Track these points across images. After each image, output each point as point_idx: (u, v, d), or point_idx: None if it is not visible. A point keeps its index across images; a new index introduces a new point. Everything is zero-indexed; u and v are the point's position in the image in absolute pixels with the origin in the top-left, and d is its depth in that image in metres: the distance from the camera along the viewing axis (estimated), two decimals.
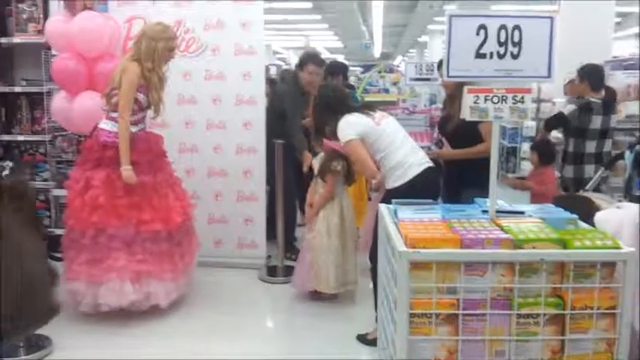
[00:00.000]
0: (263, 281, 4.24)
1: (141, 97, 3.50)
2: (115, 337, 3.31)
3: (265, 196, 4.58)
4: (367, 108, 3.28)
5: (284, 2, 11.24)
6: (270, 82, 6.22)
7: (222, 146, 4.44)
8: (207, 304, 3.82)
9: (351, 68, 10.02)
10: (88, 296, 3.40)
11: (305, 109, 4.59)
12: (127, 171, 3.38)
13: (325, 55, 22.45)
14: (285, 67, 11.59)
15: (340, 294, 3.79)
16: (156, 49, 3.49)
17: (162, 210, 3.51)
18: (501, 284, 1.83)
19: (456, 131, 3.54)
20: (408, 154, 3.08)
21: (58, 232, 4.19)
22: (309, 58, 4.69)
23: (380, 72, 9.95)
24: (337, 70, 5.66)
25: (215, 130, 4.44)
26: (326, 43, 21.97)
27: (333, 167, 3.70)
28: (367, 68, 13.84)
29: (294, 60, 14.43)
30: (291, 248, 4.54)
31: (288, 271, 4.21)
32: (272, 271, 4.31)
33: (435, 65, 5.53)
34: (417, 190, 2.88)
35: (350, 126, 3.10)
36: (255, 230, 4.47)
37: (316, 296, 3.79)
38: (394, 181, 3.05)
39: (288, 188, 4.37)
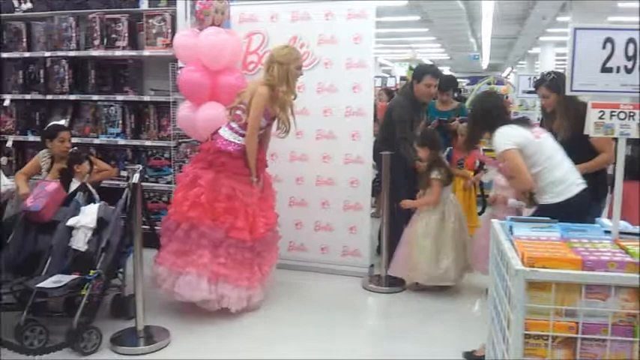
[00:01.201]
0: (366, 289, 4.28)
1: (262, 121, 3.72)
2: (225, 337, 3.48)
3: (370, 205, 4.63)
4: (524, 122, 3.21)
5: (393, 16, 11.28)
6: (388, 92, 6.28)
7: (330, 156, 4.56)
8: (312, 308, 3.93)
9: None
10: (167, 282, 3.62)
11: (418, 121, 4.61)
12: (255, 183, 3.71)
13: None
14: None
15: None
16: (288, 72, 3.71)
17: (250, 220, 3.68)
18: (624, 310, 1.76)
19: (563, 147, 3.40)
20: (568, 172, 3.01)
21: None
22: (426, 69, 4.66)
23: (490, 84, 9.70)
24: (450, 84, 5.46)
25: (324, 140, 4.56)
26: (432, 56, 21.73)
27: (434, 176, 4.02)
28: (474, 80, 13.53)
29: (399, 72, 14.42)
30: None
31: (392, 281, 4.25)
32: (376, 279, 4.34)
33: (535, 80, 5.20)
34: (572, 210, 2.81)
35: (509, 136, 3.02)
36: (360, 239, 4.53)
37: (415, 287, 4.15)
38: (552, 197, 2.97)
39: (395, 198, 4.38)
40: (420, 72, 4.62)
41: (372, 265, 4.58)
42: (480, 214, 4.90)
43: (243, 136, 3.71)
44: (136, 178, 3.23)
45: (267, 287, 3.89)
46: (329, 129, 4.54)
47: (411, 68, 12.00)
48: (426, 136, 4.33)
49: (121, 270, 3.54)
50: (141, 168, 3.30)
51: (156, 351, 3.22)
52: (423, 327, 3.66)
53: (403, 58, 15.84)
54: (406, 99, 4.67)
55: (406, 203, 4.21)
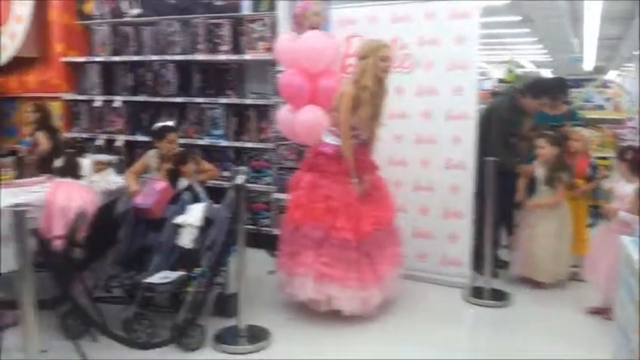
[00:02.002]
0: (467, 302, 4.10)
1: (353, 119, 3.68)
2: (325, 336, 3.49)
3: (472, 213, 4.45)
4: None
5: (493, 17, 10.89)
6: (494, 95, 6.06)
7: (429, 161, 4.43)
8: (409, 316, 3.83)
9: None
10: (286, 285, 3.73)
11: (519, 128, 4.41)
12: (356, 184, 3.67)
13: (531, 69, 21.36)
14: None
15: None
16: (370, 64, 3.63)
17: (354, 219, 3.63)
18: None
19: None
20: None
21: (276, 232, 4.55)
22: (547, 89, 4.52)
23: (597, 87, 9.10)
24: (561, 89, 4.92)
25: (424, 145, 4.44)
26: (532, 57, 20.81)
27: (564, 179, 4.17)
28: (576, 83, 12.77)
29: (495, 74, 13.90)
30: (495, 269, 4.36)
31: (495, 294, 4.07)
32: (476, 292, 4.17)
33: None
34: None
35: None
36: (460, 248, 4.36)
37: (535, 285, 4.28)
38: None
39: (499, 207, 4.20)
40: (540, 90, 4.41)
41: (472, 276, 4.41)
42: (590, 226, 4.58)
43: (339, 137, 3.70)
44: (241, 179, 3.29)
45: (388, 291, 3.80)
46: (429, 133, 4.42)
47: (510, 71, 11.52)
48: (557, 135, 4.29)
49: (224, 268, 3.61)
50: (246, 170, 3.35)
51: (257, 351, 3.25)
52: (541, 345, 3.44)
53: (501, 60, 15.26)
54: (509, 103, 4.46)
55: (534, 204, 4.27)
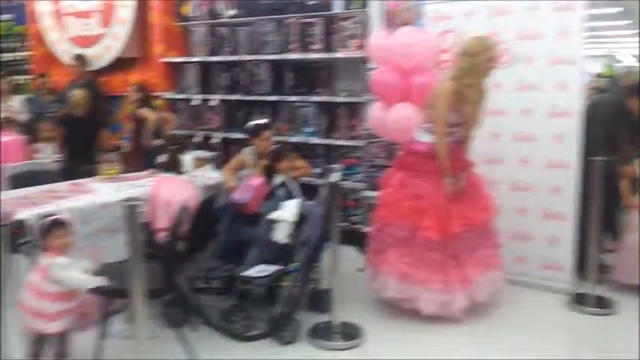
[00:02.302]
0: (569, 309, 3.89)
1: (452, 117, 3.58)
2: (418, 334, 3.45)
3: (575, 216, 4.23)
4: None
5: (592, 9, 10.31)
6: (596, 91, 5.75)
7: (529, 160, 4.24)
8: (505, 320, 3.70)
9: None
10: (374, 282, 3.74)
11: (625, 128, 4.15)
12: (450, 184, 3.57)
13: (633, 63, 19.99)
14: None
15: None
16: (474, 65, 3.52)
17: (441, 219, 3.54)
18: None
19: None
20: None
21: (365, 229, 4.54)
22: None
23: None
24: None
25: (522, 143, 4.26)
26: (634, 51, 19.49)
27: None
28: None
29: (593, 69, 13.20)
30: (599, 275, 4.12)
31: (600, 301, 3.85)
32: (579, 298, 3.94)
33: None
34: None
35: None
36: (562, 252, 4.14)
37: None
38: None
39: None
40: None
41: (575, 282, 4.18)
42: None
43: (433, 134, 3.62)
44: (335, 177, 3.30)
45: (478, 294, 3.68)
46: (528, 130, 4.23)
47: (609, 65, 10.89)
48: None
49: (317, 265, 3.64)
50: (340, 167, 3.36)
51: (351, 348, 3.26)
52: None
53: (599, 53, 14.46)
54: (615, 101, 4.20)
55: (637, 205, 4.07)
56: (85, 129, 5.64)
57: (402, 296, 3.57)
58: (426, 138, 3.69)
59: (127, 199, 2.43)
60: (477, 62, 3.52)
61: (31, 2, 7.33)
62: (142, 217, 2.42)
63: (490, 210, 3.82)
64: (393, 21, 4.40)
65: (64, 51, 6.98)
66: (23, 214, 3.21)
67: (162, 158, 3.97)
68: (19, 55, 8.09)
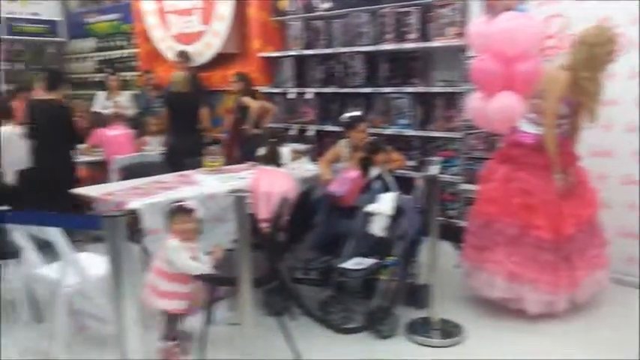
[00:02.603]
0: None
1: (563, 109, 3.40)
2: (519, 334, 3.33)
3: None
4: None
5: None
6: None
7: None
8: (612, 322, 3.48)
9: None
10: (472, 279, 3.63)
11: None
12: (560, 179, 3.42)
13: None
14: None
15: None
16: (594, 56, 3.34)
17: (554, 218, 3.36)
18: None
19: None
20: None
21: (462, 223, 4.43)
22: None
23: None
24: None
25: (635, 134, 3.98)
26: None
27: None
28: None
29: None
30: None
31: None
32: None
33: None
34: None
35: None
36: None
37: None
38: None
39: None
40: None
41: None
42: None
43: (541, 126, 3.46)
44: (434, 169, 3.25)
45: (584, 294, 3.53)
46: None
47: None
48: None
49: (415, 259, 3.61)
50: (439, 160, 3.30)
51: (450, 346, 3.20)
52: None
53: None
54: None
55: None
56: (187, 106, 5.92)
57: (509, 296, 3.44)
58: (530, 129, 3.54)
59: (234, 191, 2.52)
60: (596, 53, 3.34)
61: (137, 1, 7.76)
62: (249, 208, 2.49)
63: (595, 205, 3.63)
64: (494, 6, 4.21)
65: (168, 48, 7.34)
66: (135, 203, 3.42)
67: (261, 151, 4.08)
68: (126, 52, 8.61)
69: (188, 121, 5.88)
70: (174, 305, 2.91)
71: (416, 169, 5.05)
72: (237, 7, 6.50)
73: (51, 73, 5.26)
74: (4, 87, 8.81)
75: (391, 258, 3.35)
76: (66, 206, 4.03)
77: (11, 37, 9.18)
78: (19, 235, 3.10)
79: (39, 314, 3.47)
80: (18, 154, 4.82)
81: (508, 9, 4.08)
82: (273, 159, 4.00)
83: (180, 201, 2.96)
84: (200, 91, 6.42)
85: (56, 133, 4.81)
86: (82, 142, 5.36)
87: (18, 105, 5.93)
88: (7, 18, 9.09)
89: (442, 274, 3.39)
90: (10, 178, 4.77)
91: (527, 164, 3.52)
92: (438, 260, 3.32)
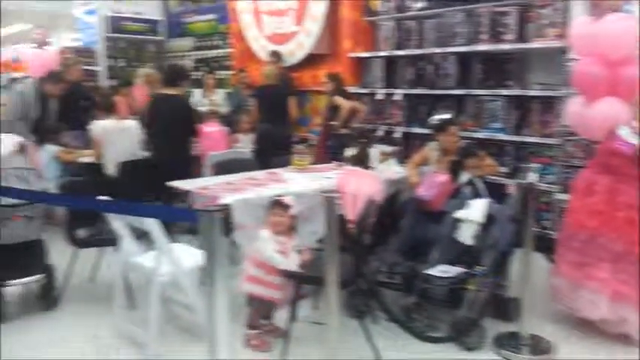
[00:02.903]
0: None
1: None
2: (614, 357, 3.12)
3: None
4: None
5: None
6: None
7: None
8: None
9: None
10: (566, 297, 3.39)
11: None
12: None
13: None
14: None
15: None
16: None
17: None
18: None
19: None
20: None
21: (556, 235, 4.20)
22: None
23: None
24: None
25: None
26: None
27: None
28: None
29: None
30: None
31: None
32: None
33: None
34: None
35: None
36: None
37: None
38: None
39: None
40: None
41: None
42: None
43: None
44: (532, 177, 3.10)
45: None
46: None
47: None
48: None
49: (505, 270, 3.47)
50: (537, 167, 3.15)
51: None
52: None
53: None
54: None
55: None
56: (275, 98, 6.19)
57: (613, 317, 3.22)
58: (631, 138, 3.30)
59: (325, 191, 2.53)
60: None
61: (233, 2, 7.99)
62: (339, 209, 2.50)
63: None
64: (599, 7, 3.99)
65: (261, 47, 7.51)
66: (227, 198, 3.53)
67: (350, 151, 4.08)
68: (221, 52, 8.90)
69: (277, 113, 6.09)
70: (258, 290, 3.01)
71: (508, 175, 4.87)
72: (330, 7, 6.54)
73: (172, 70, 5.53)
74: (107, 82, 9.39)
75: (480, 268, 3.24)
76: (168, 197, 4.22)
77: (116, 34, 9.75)
78: (119, 224, 3.27)
79: (133, 301, 3.66)
80: (120, 147, 5.10)
81: (615, 10, 3.86)
82: (362, 160, 3.99)
83: (280, 196, 3.06)
84: (288, 83, 6.55)
85: (175, 127, 4.97)
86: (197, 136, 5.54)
87: (120, 100, 6.31)
88: (113, 17, 9.66)
89: (532, 287, 3.24)
90: (111, 170, 5.04)
91: (629, 176, 3.29)
92: (530, 273, 3.17)
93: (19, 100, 5.35)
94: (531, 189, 3.10)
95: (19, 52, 7.98)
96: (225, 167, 4.65)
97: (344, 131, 5.59)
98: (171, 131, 4.96)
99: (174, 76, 5.19)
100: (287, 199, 3.07)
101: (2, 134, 4.18)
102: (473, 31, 5.29)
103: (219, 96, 7.37)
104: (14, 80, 7.20)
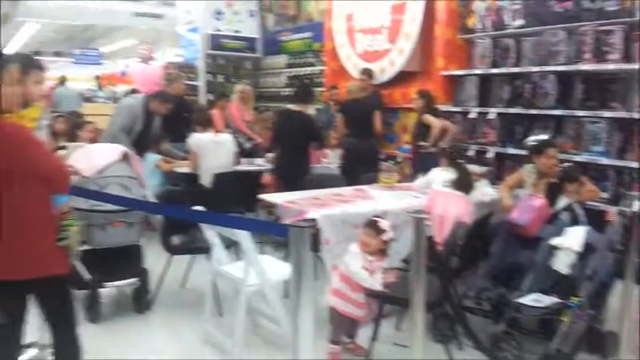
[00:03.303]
0: None
1: None
2: None
3: None
4: None
5: None
6: None
7: None
8: None
9: None
10: None
11: None
12: None
13: None
14: None
15: None
16: None
17: None
18: None
19: None
20: None
21: None
22: None
23: None
24: None
25: None
26: None
27: None
28: None
29: None
30: None
31: None
32: None
33: None
34: None
35: None
36: None
37: None
38: None
39: None
40: None
41: None
42: None
43: None
44: (635, 205, 2.90)
45: None
46: None
47: None
48: None
49: (604, 303, 3.25)
50: None
51: None
52: None
53: None
54: None
55: None
56: (361, 112, 6.31)
57: None
58: None
59: (413, 211, 2.50)
60: None
61: (329, 21, 8.14)
62: (428, 230, 2.46)
63: None
64: None
65: (353, 65, 7.57)
66: (313, 213, 3.57)
67: (442, 172, 4.00)
68: (315, 69, 9.07)
69: (362, 127, 6.12)
70: (341, 306, 3.01)
71: (609, 202, 4.58)
72: (424, 25, 6.49)
73: (303, 88, 5.81)
74: (206, 97, 9.84)
75: (576, 299, 3.05)
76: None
77: (216, 51, 10.22)
78: (211, 233, 3.40)
79: (220, 308, 3.77)
80: (215, 159, 5.31)
81: None
82: (463, 185, 3.90)
83: (380, 216, 3.06)
84: (375, 98, 6.56)
85: (298, 142, 5.25)
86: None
87: (216, 114, 6.58)
88: (214, 34, 10.14)
89: (632, 322, 3.01)
90: (206, 181, 5.25)
91: None
92: (631, 306, 2.94)
93: (127, 113, 5.68)
94: (634, 217, 2.89)
95: (127, 66, 8.54)
96: (312, 182, 4.71)
97: (433, 150, 5.49)
98: (293, 145, 5.23)
99: (303, 94, 5.44)
100: (383, 223, 3.04)
101: (107, 143, 4.46)
102: (575, 49, 5.05)
103: (310, 112, 7.49)
104: (127, 94, 7.72)
